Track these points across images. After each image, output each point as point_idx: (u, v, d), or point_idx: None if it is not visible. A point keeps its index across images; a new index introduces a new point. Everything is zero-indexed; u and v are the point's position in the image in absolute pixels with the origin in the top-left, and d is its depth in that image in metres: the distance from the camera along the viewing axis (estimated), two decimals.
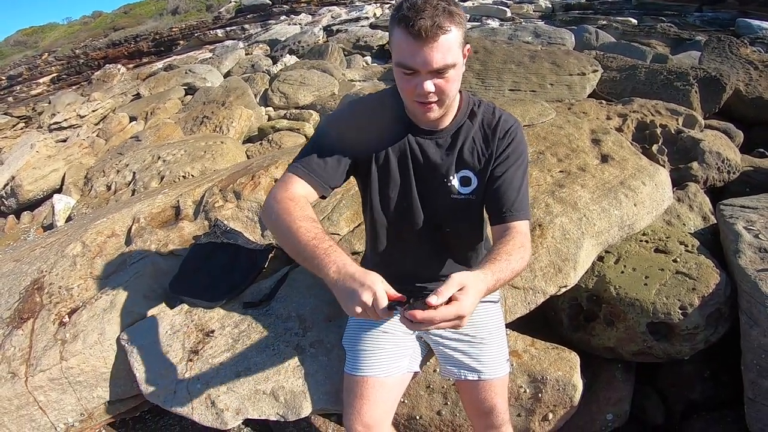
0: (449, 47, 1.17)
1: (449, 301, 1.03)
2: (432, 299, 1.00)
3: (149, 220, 2.59)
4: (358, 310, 1.05)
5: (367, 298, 1.03)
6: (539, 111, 2.91)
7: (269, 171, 2.67)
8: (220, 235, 2.33)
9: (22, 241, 4.35)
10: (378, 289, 1.04)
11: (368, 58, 10.28)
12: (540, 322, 2.30)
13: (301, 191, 1.34)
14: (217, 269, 2.15)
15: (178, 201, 2.70)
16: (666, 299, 2.04)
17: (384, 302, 1.03)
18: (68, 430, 2.06)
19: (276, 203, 1.29)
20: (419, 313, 1.01)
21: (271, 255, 2.27)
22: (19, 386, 1.93)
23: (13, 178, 5.86)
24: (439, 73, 1.20)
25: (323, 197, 1.42)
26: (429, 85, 1.21)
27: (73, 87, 14.43)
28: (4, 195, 5.89)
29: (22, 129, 11.18)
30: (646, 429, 2.24)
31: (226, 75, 9.75)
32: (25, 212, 5.65)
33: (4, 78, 17.97)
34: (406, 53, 1.18)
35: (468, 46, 1.26)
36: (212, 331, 1.91)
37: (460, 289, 1.04)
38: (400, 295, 1.07)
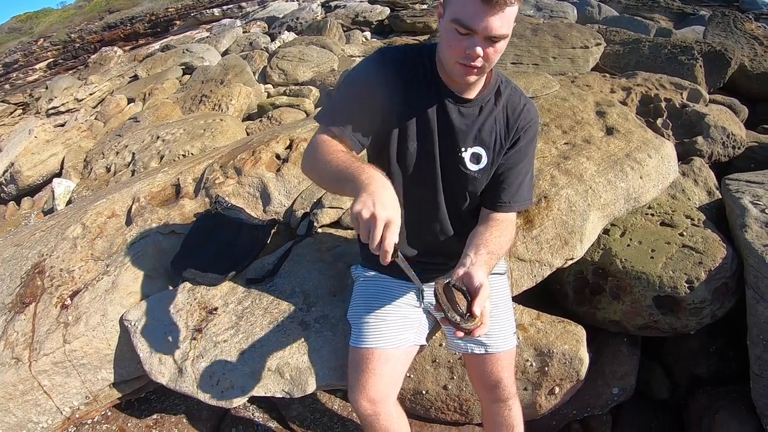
0: (509, 19, 1.18)
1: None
2: (476, 311, 1.13)
3: (149, 199, 2.56)
4: (362, 231, 1.06)
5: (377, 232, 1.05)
6: (543, 83, 2.86)
7: (270, 146, 2.63)
8: (221, 211, 2.30)
9: (23, 227, 4.32)
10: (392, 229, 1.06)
11: (367, 34, 10.13)
12: (545, 296, 2.29)
13: (337, 139, 1.34)
14: (220, 246, 2.12)
15: (178, 179, 2.66)
16: (672, 273, 2.03)
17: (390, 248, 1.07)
18: (74, 414, 2.06)
19: (313, 156, 1.30)
20: (460, 333, 1.14)
21: (273, 230, 2.24)
22: (23, 371, 1.91)
23: (12, 164, 5.81)
24: (493, 40, 1.19)
25: None
26: (480, 50, 1.20)
27: (70, 71, 14.29)
28: (4, 181, 5.84)
29: (20, 116, 11.08)
30: (651, 403, 2.25)
31: (224, 54, 9.60)
32: (26, 198, 5.61)
33: None
34: (470, 13, 1.16)
35: (514, 24, 1.25)
36: (215, 309, 1.90)
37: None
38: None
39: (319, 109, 5.51)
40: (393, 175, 1.47)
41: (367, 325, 1.57)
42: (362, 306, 1.63)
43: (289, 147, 2.63)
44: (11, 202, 5.64)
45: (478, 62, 1.22)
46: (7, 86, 15.90)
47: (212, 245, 2.13)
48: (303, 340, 1.77)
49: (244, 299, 1.93)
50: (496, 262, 1.35)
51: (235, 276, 2.04)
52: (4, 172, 5.93)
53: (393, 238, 1.05)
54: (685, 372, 2.26)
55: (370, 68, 1.38)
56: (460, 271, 1.22)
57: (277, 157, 2.60)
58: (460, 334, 1.13)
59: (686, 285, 2.00)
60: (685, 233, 2.18)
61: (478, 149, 1.43)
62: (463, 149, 1.43)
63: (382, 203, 1.05)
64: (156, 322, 1.92)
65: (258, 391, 1.71)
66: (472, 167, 1.44)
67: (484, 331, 1.14)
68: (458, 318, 1.12)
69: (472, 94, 1.40)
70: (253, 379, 1.72)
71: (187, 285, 2.04)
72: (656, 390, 2.24)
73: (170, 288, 2.08)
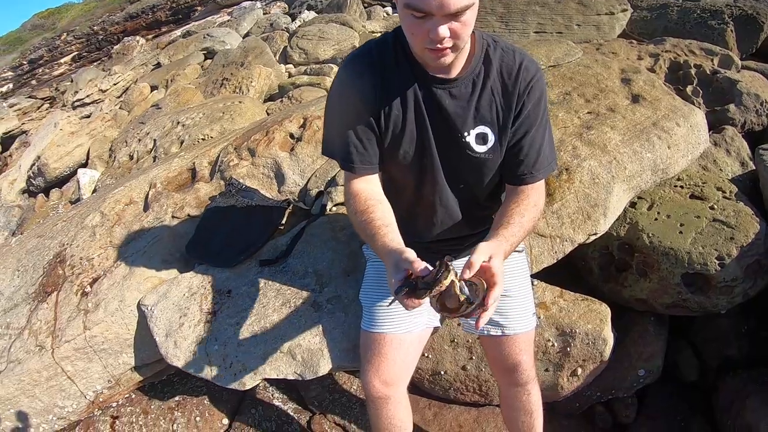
0: None
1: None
2: (465, 274, 1.04)
3: (166, 184, 2.56)
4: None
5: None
6: (565, 51, 2.74)
7: (283, 125, 2.59)
8: (235, 193, 2.29)
9: (48, 218, 4.42)
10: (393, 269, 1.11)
11: (389, 9, 9.92)
12: (570, 272, 2.21)
13: (364, 186, 1.35)
14: (233, 228, 2.11)
15: (193, 163, 2.66)
16: (702, 249, 1.92)
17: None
18: (97, 397, 2.10)
19: (355, 216, 1.32)
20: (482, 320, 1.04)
21: (288, 210, 2.22)
22: (47, 358, 1.96)
23: (39, 157, 5.94)
24: (456, 15, 1.04)
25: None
26: (444, 30, 1.05)
27: (95, 63, 14.47)
28: (32, 175, 5.98)
29: (47, 110, 11.31)
30: (679, 386, 2.16)
31: (246, 36, 9.59)
32: (54, 189, 5.73)
33: (25, 62, 18.10)
34: None
35: None
36: (229, 292, 1.89)
37: (489, 260, 1.08)
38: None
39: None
40: (395, 175, 1.41)
41: (379, 309, 1.51)
42: (373, 288, 1.57)
43: (303, 126, 2.59)
44: (40, 195, 5.77)
45: (447, 42, 1.08)
46: (33, 82, 16.23)
47: (226, 228, 2.12)
48: (315, 321, 1.75)
49: (257, 281, 1.91)
50: (522, 235, 1.25)
51: (249, 258, 2.03)
52: (32, 166, 6.08)
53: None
54: (715, 353, 2.15)
55: (344, 87, 1.30)
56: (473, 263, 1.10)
57: (291, 136, 2.57)
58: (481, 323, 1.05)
59: (717, 262, 1.89)
60: (716, 206, 2.07)
61: (482, 128, 1.30)
62: (465, 133, 1.30)
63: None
64: (171, 307, 1.92)
65: (270, 374, 1.70)
66: (480, 149, 1.32)
67: (491, 312, 1.05)
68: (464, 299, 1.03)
69: (456, 72, 1.26)
70: (266, 361, 1.71)
71: (202, 268, 2.04)
72: (685, 372, 2.15)
73: (186, 272, 2.08)
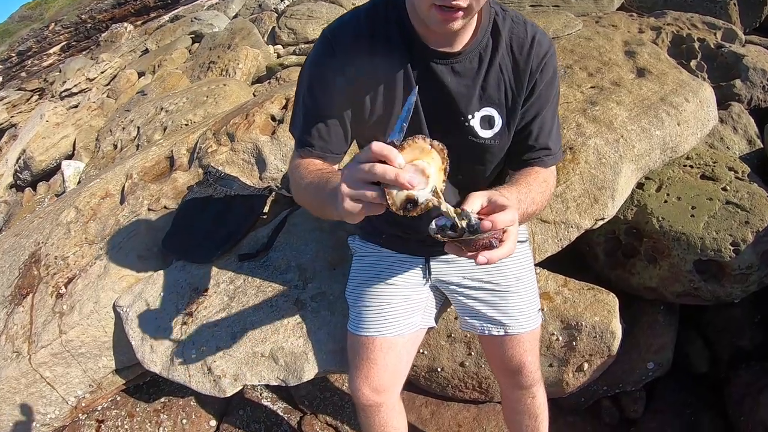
0: None
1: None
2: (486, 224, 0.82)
3: (142, 174, 2.42)
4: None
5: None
6: (564, 22, 2.59)
7: (264, 107, 2.44)
8: (213, 182, 2.15)
9: (28, 215, 4.31)
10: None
11: None
12: (573, 258, 2.08)
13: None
14: (212, 220, 1.99)
15: (171, 151, 2.52)
16: (716, 234, 1.79)
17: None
18: (80, 403, 2.02)
19: (307, 175, 1.10)
20: (493, 254, 0.82)
21: (271, 198, 2.09)
22: (24, 365, 1.88)
23: (24, 150, 5.81)
24: None
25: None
26: None
27: (83, 52, 14.33)
28: (18, 169, 5.89)
29: (36, 101, 11.16)
30: (689, 378, 2.06)
31: (234, 18, 9.43)
32: (41, 183, 5.62)
33: (14, 54, 17.92)
34: None
35: None
36: (206, 290, 1.77)
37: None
38: None
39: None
40: None
41: (367, 310, 1.37)
42: (361, 286, 1.43)
43: (285, 107, 2.44)
44: (27, 189, 5.67)
45: (462, 2, 0.91)
46: (23, 74, 16.09)
47: (204, 219, 2.00)
48: (299, 320, 1.62)
49: (236, 278, 1.78)
50: (525, 195, 1.06)
51: (228, 251, 1.90)
52: (18, 160, 5.95)
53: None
54: (727, 344, 2.05)
55: (320, 64, 1.11)
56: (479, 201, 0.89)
57: (273, 118, 2.41)
58: (483, 259, 0.82)
59: (731, 248, 1.77)
60: (728, 188, 1.93)
61: (488, 110, 1.14)
62: (469, 117, 1.14)
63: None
64: (147, 307, 1.81)
65: (251, 380, 1.58)
66: (485, 134, 1.16)
67: (503, 252, 0.84)
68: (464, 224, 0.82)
69: (462, 43, 1.08)
70: (246, 365, 1.59)
71: (179, 264, 1.92)
72: (696, 363, 2.04)
73: (162, 268, 1.96)
